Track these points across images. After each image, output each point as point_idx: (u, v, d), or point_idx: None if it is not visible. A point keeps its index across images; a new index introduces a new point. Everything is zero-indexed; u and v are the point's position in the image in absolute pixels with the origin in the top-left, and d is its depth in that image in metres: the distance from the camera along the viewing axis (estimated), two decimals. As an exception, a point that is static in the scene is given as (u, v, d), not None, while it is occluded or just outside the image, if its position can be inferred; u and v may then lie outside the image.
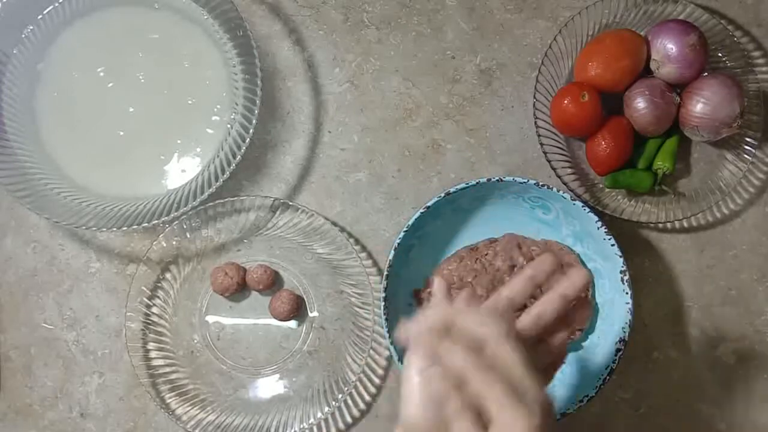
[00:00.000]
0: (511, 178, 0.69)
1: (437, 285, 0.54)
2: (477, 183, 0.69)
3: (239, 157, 0.71)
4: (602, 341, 0.71)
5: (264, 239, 0.75)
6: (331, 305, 0.75)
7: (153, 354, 0.73)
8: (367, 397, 0.74)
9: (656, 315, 0.75)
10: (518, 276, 0.53)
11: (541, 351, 0.53)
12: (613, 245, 0.69)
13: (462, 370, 0.45)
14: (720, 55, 0.74)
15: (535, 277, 0.53)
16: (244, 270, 0.74)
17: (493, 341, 0.47)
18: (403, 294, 0.73)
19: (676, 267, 0.75)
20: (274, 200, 0.73)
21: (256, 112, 0.71)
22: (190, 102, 0.76)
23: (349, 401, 0.74)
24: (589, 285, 0.53)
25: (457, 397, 0.45)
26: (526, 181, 0.69)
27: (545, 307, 0.52)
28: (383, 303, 0.69)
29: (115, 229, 0.70)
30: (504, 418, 0.44)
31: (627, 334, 0.69)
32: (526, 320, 0.51)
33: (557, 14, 0.77)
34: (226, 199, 0.73)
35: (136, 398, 0.74)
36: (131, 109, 0.76)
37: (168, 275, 0.75)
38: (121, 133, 0.75)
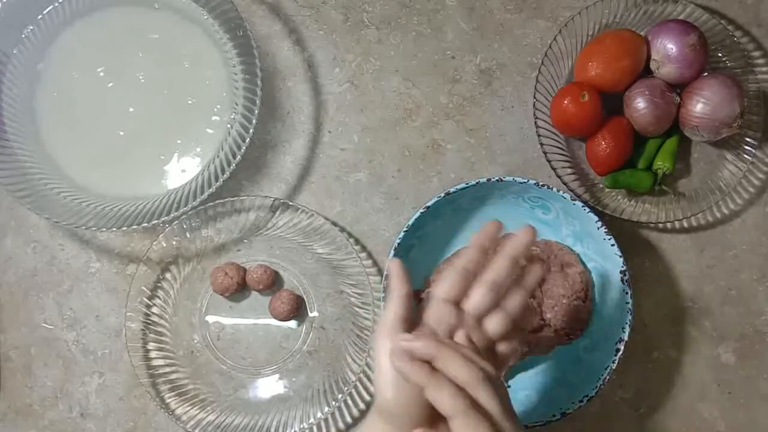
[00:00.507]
0: (511, 178, 0.69)
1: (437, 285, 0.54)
2: (477, 183, 0.69)
3: (239, 157, 0.71)
4: (602, 341, 0.71)
5: (264, 239, 0.75)
6: (331, 305, 0.75)
7: (153, 354, 0.73)
8: (367, 397, 0.74)
9: (656, 315, 0.75)
10: (469, 247, 0.54)
11: (498, 317, 0.53)
12: (613, 245, 0.69)
13: (449, 408, 0.46)
14: (720, 55, 0.74)
15: (482, 244, 0.54)
16: (244, 270, 0.74)
17: (473, 384, 0.47)
18: (403, 294, 0.72)
19: (676, 267, 0.75)
20: (274, 200, 0.73)
21: (256, 112, 0.71)
22: (190, 102, 0.76)
23: (349, 401, 0.74)
24: (534, 240, 0.54)
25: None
26: (526, 181, 0.69)
27: (496, 271, 0.52)
28: (383, 303, 0.69)
29: (115, 229, 0.70)
30: None
31: (627, 334, 0.69)
32: (479, 289, 0.52)
33: (557, 14, 0.77)
34: (226, 199, 0.73)
35: (136, 398, 0.74)
36: (131, 109, 0.76)
37: (168, 275, 0.75)
38: (121, 133, 0.75)
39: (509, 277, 0.53)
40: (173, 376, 0.73)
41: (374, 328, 0.71)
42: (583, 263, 0.72)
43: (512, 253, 0.53)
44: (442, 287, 0.52)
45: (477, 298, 0.52)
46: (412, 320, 0.51)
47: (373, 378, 0.50)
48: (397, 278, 0.53)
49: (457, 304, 0.52)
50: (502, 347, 0.53)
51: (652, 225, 0.75)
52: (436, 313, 0.51)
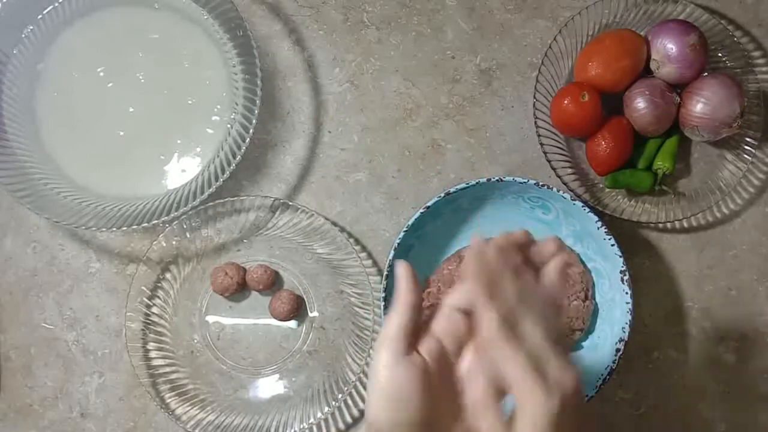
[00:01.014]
0: (511, 178, 0.69)
1: (401, 271, 0.50)
2: (477, 183, 0.69)
3: (239, 157, 0.71)
4: (602, 341, 0.71)
5: (264, 239, 0.75)
6: (331, 305, 0.75)
7: (153, 354, 0.73)
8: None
9: (656, 315, 0.75)
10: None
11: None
12: (613, 245, 0.69)
13: (487, 341, 0.44)
14: (720, 55, 0.74)
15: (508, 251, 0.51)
16: (244, 270, 0.74)
17: (520, 312, 0.45)
18: (403, 294, 0.72)
19: (676, 267, 0.75)
20: (274, 200, 0.73)
21: (256, 112, 0.71)
22: (190, 102, 0.76)
23: (349, 401, 0.74)
24: (562, 248, 0.51)
25: (481, 384, 0.44)
26: (526, 181, 0.69)
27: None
28: (383, 303, 0.69)
29: (115, 229, 0.70)
30: (530, 402, 0.43)
31: (627, 334, 0.69)
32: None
33: (557, 14, 0.77)
34: (226, 199, 0.73)
35: (136, 398, 0.74)
36: (131, 109, 0.76)
37: (168, 275, 0.75)
38: (121, 133, 0.75)
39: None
40: (173, 376, 0.73)
41: (375, 329, 0.71)
42: (583, 263, 0.72)
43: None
44: (455, 296, 0.49)
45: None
46: (418, 329, 0.48)
47: (368, 392, 0.46)
48: (405, 284, 0.48)
49: (467, 314, 0.48)
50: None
51: (652, 225, 0.75)
52: (446, 323, 0.48)
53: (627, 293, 0.69)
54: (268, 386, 0.74)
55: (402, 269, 0.49)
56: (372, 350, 0.71)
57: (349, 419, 0.74)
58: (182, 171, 0.75)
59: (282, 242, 0.75)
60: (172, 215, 0.71)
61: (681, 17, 0.73)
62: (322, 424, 0.73)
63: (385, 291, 0.69)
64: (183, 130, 0.75)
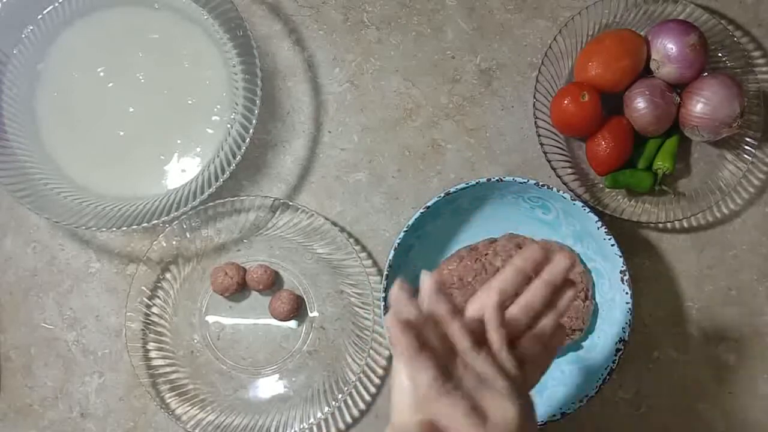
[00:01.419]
0: (511, 178, 0.69)
1: (428, 283, 0.50)
2: (477, 183, 0.69)
3: (239, 157, 0.71)
4: (602, 341, 0.71)
5: (264, 239, 0.75)
6: (331, 305, 0.75)
7: (153, 354, 0.73)
8: (367, 397, 0.74)
9: (656, 315, 0.75)
10: (508, 267, 0.52)
11: (530, 338, 0.52)
12: (613, 245, 0.69)
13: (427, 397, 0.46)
14: (720, 55, 0.74)
15: (524, 268, 0.52)
16: (244, 270, 0.74)
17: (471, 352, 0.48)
18: (403, 294, 0.72)
19: (676, 267, 0.75)
20: (274, 200, 0.73)
21: (256, 112, 0.71)
22: (190, 102, 0.76)
23: (349, 401, 0.74)
24: (575, 265, 0.52)
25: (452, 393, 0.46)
26: (526, 181, 0.69)
27: (533, 296, 0.51)
28: (383, 303, 0.69)
29: (115, 229, 0.70)
30: (497, 411, 0.46)
31: (627, 334, 0.69)
32: (514, 310, 0.51)
33: (557, 14, 0.77)
34: (226, 199, 0.73)
35: (136, 398, 0.75)
36: (131, 109, 0.76)
37: (168, 275, 0.75)
38: (121, 133, 0.75)
39: (545, 302, 0.52)
40: (173, 376, 0.73)
41: (375, 329, 0.71)
42: (583, 263, 0.72)
43: (551, 279, 0.52)
44: (475, 306, 0.51)
45: (510, 321, 0.50)
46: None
47: (392, 396, 0.49)
48: (400, 304, 0.48)
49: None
50: (530, 368, 0.52)
51: (652, 225, 0.75)
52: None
53: (627, 293, 0.69)
54: (268, 386, 0.74)
55: (396, 291, 0.48)
56: (372, 350, 0.71)
57: (349, 419, 0.74)
58: (182, 171, 0.75)
59: (282, 242, 0.75)
60: (172, 215, 0.71)
61: (681, 17, 0.73)
62: (322, 424, 0.73)
63: (385, 291, 0.69)
64: (183, 130, 0.75)
